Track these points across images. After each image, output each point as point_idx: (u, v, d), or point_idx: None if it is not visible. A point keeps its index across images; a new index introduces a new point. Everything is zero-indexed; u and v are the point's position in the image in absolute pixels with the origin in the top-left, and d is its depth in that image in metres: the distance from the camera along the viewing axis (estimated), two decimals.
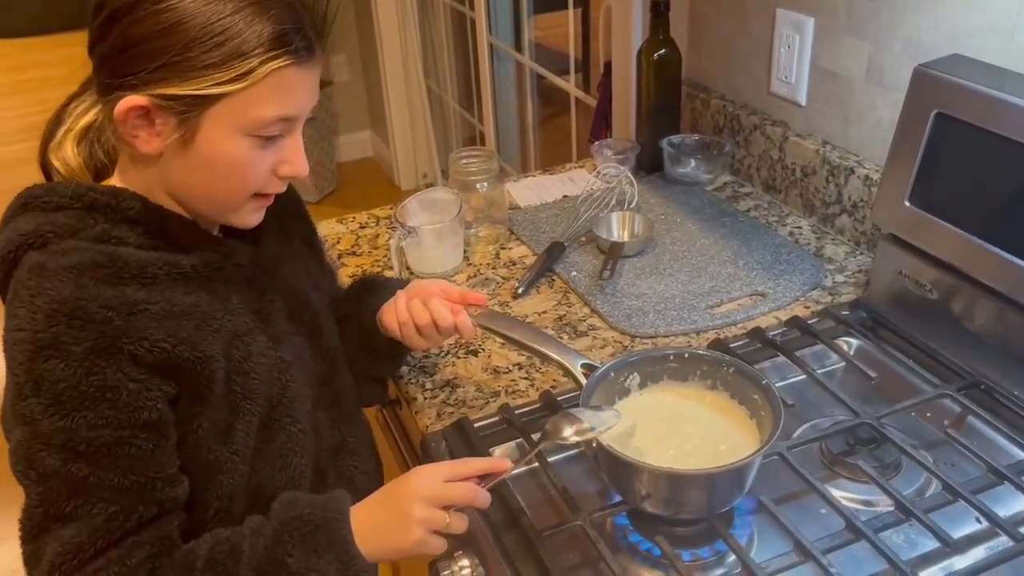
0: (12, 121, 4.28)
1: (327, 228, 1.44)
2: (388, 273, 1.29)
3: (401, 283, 1.03)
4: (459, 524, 0.79)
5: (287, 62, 0.73)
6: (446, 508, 0.78)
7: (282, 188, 0.81)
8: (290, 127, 0.77)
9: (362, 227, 1.44)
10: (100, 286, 0.73)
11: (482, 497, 0.79)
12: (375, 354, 1.02)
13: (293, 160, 0.79)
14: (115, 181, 0.81)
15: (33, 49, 5.24)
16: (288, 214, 0.95)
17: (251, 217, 0.82)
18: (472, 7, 2.95)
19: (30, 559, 0.75)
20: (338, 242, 1.40)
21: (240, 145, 0.75)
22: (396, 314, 0.95)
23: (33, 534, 0.74)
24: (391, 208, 1.45)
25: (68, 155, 0.81)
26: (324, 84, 3.75)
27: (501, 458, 0.85)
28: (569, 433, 0.80)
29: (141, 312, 0.73)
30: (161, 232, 0.78)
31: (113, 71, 0.73)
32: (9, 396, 0.73)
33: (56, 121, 0.82)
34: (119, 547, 0.73)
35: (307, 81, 0.76)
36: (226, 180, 0.77)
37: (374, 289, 1.03)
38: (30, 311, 0.71)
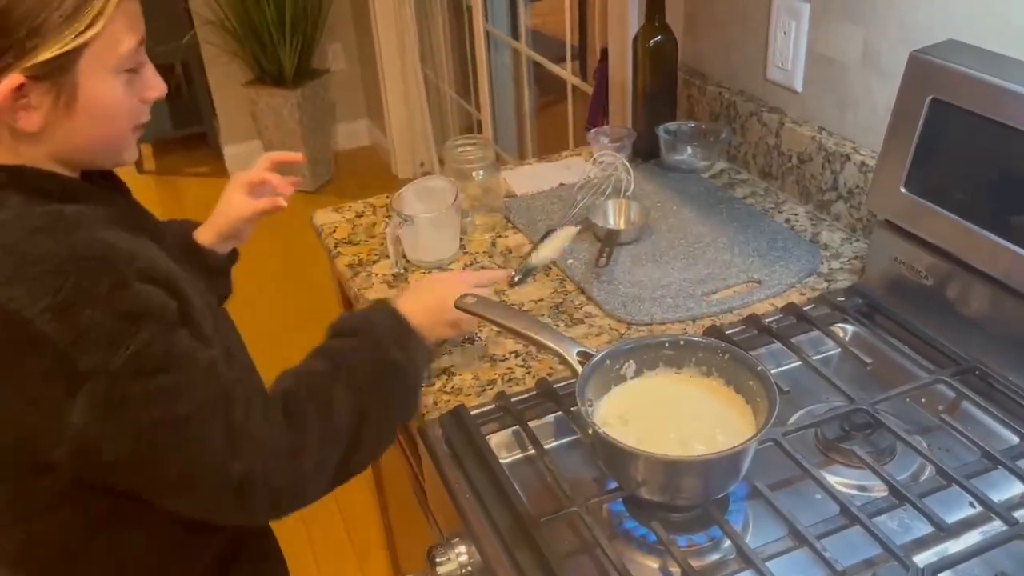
0: None
1: (324, 217, 1.44)
2: (384, 263, 1.29)
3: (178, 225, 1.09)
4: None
5: None
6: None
7: (147, 114, 0.85)
8: (142, 52, 0.82)
9: (359, 216, 1.44)
10: (69, 234, 0.74)
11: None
12: (211, 273, 1.07)
13: (152, 83, 0.84)
14: None
15: None
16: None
17: (134, 151, 0.87)
18: None
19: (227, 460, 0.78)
20: (335, 231, 1.40)
21: (115, 85, 0.79)
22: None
23: (155, 471, 0.77)
24: (388, 197, 1.45)
25: None
26: (321, 73, 3.74)
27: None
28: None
29: (116, 245, 0.75)
30: (70, 196, 0.80)
31: None
32: (50, 377, 0.71)
33: None
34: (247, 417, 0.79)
35: (137, 6, 0.80)
36: (111, 123, 0.81)
37: (174, 225, 1.09)
38: (24, 288, 0.70)
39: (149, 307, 0.75)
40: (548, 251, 1.18)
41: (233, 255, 1.13)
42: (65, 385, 0.72)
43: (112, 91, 0.79)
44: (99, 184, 0.88)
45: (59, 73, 0.75)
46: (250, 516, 0.84)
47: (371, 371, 0.90)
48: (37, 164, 0.80)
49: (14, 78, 0.73)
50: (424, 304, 0.99)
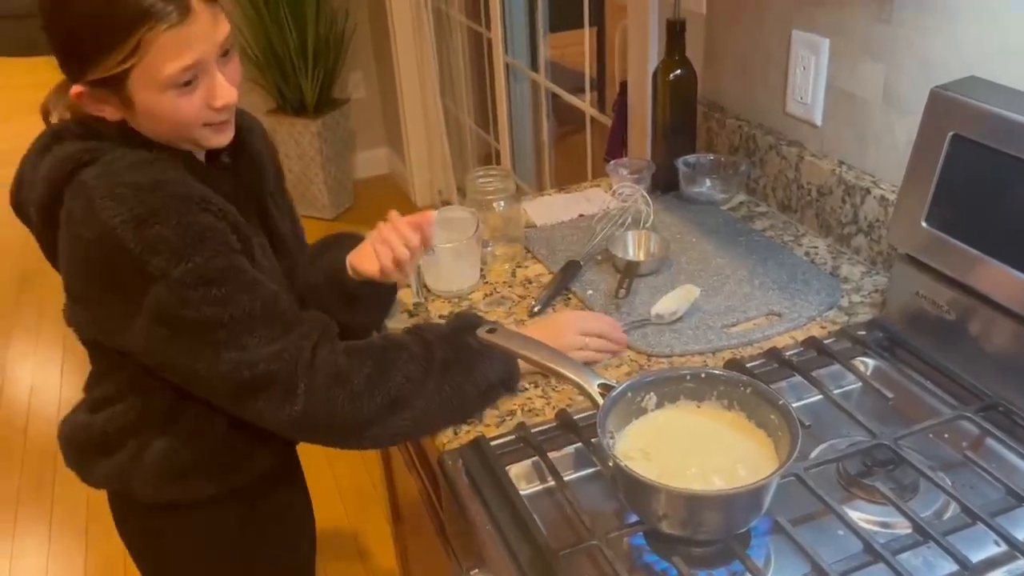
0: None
1: None
2: (405, 292, 1.30)
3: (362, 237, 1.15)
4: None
5: (165, 26, 0.87)
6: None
7: (223, 115, 0.96)
8: (201, 69, 0.91)
9: None
10: (155, 171, 0.92)
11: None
12: (351, 299, 1.10)
13: (218, 93, 0.94)
14: None
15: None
16: (266, 162, 1.13)
17: (214, 139, 0.98)
18: (488, 27, 2.98)
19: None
20: None
21: (165, 98, 0.91)
22: (373, 247, 1.06)
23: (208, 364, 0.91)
24: None
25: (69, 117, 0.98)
26: (341, 102, 3.79)
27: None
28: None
29: (199, 189, 0.92)
30: (167, 159, 0.95)
31: (63, 68, 0.92)
32: (129, 274, 0.88)
33: (56, 96, 0.99)
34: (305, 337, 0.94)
35: (192, 33, 0.89)
36: (170, 124, 0.94)
37: (340, 242, 1.15)
38: (113, 204, 0.87)
39: (213, 232, 0.90)
40: (669, 304, 1.18)
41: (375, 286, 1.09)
42: (139, 283, 0.88)
43: (162, 103, 0.91)
44: (218, 162, 1.04)
45: (113, 86, 0.90)
46: (285, 422, 0.94)
47: (443, 344, 1.00)
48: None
49: (76, 87, 0.91)
50: (541, 324, 1.12)
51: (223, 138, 0.99)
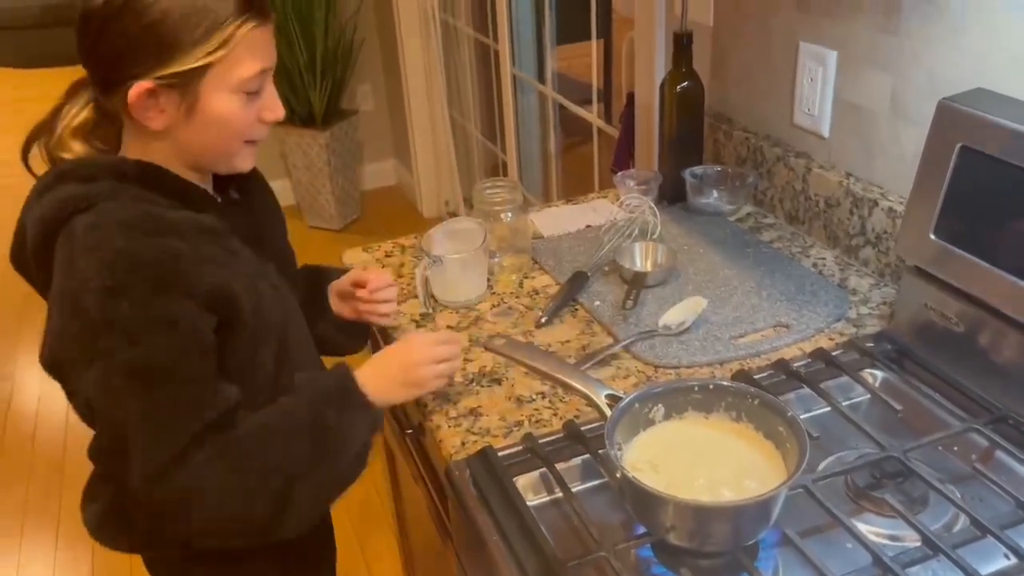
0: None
1: (353, 256, 1.46)
2: (413, 302, 1.31)
3: (338, 272, 1.21)
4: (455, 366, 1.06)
5: (254, 24, 0.88)
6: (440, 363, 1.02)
7: (265, 133, 0.97)
8: (266, 78, 0.93)
9: (387, 255, 1.46)
10: (147, 237, 0.86)
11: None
12: (345, 332, 1.19)
13: (272, 106, 0.95)
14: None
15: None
16: (271, 203, 1.13)
17: (247, 161, 0.99)
18: (496, 39, 2.99)
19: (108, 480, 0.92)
20: (363, 271, 1.41)
21: (232, 102, 0.90)
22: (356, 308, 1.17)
23: (109, 455, 0.88)
24: (415, 237, 1.46)
25: (76, 148, 0.95)
26: (349, 113, 3.81)
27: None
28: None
29: (184, 257, 0.87)
30: (181, 198, 0.93)
31: (119, 68, 0.87)
32: (79, 339, 0.86)
33: (49, 125, 0.95)
34: (189, 451, 0.86)
35: (269, 35, 0.92)
36: (223, 133, 0.93)
37: (328, 278, 1.20)
38: (93, 264, 0.84)
39: (181, 325, 0.86)
40: (676, 315, 1.19)
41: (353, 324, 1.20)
42: (88, 352, 0.85)
43: (228, 107, 0.90)
44: (226, 194, 1.03)
45: (185, 84, 0.88)
46: (180, 534, 0.91)
47: (304, 429, 0.93)
48: (163, 162, 0.93)
49: (144, 84, 0.87)
50: (382, 368, 1.02)
51: (251, 162, 1.00)
